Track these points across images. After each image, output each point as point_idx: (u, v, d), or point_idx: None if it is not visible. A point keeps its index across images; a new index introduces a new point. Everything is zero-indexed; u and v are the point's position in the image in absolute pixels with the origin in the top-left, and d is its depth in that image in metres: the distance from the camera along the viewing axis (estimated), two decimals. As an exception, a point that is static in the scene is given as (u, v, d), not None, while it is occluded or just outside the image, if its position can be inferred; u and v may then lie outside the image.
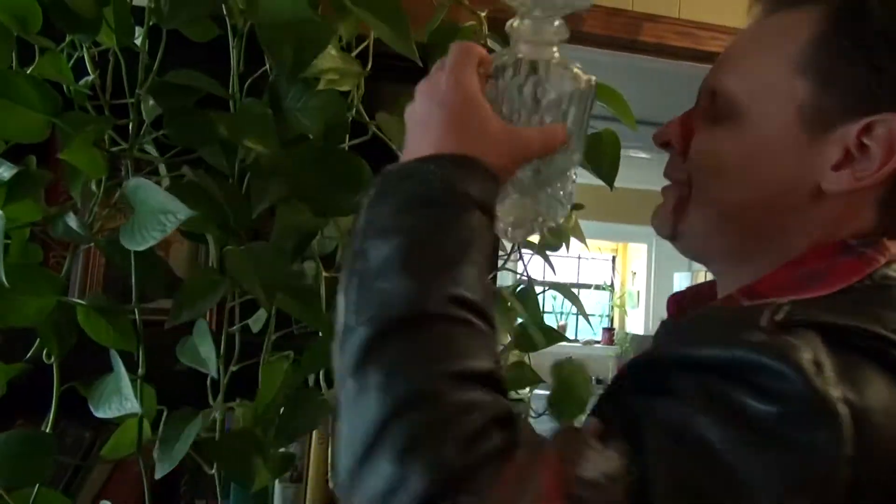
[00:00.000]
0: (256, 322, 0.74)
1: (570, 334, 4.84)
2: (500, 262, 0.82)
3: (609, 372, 5.17)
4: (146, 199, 0.57)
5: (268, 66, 0.70)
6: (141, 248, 0.58)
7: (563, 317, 4.73)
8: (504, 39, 0.87)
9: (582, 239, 0.83)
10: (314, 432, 0.86)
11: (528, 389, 0.86)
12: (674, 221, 0.54)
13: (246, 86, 0.70)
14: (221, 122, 0.63)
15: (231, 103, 0.70)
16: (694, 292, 0.62)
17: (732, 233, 0.52)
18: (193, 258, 0.83)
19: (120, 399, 0.59)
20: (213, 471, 0.69)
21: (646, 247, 5.13)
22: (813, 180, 0.48)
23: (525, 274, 0.85)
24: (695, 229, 0.54)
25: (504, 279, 0.84)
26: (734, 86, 0.50)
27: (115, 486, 0.83)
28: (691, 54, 1.43)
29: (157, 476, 0.63)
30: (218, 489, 0.87)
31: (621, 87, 0.85)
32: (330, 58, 0.61)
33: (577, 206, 0.83)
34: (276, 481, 0.86)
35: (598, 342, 4.86)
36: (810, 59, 0.47)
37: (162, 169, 0.72)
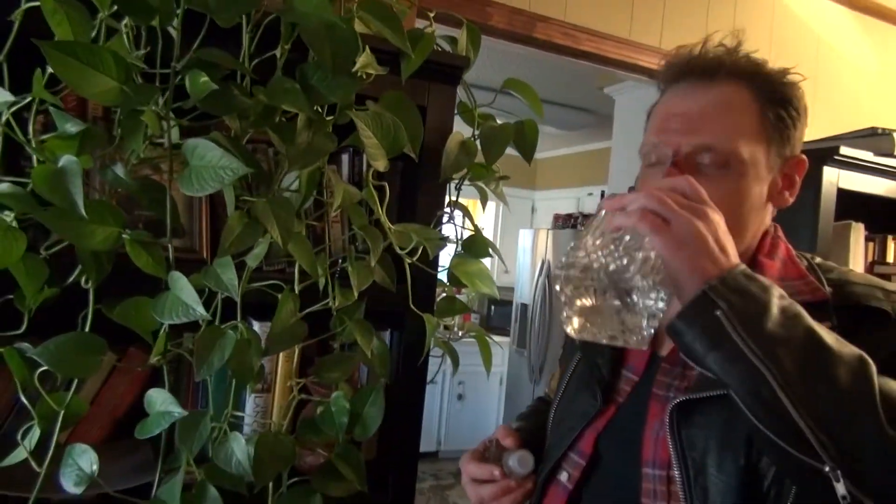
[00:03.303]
0: (254, 258, 0.90)
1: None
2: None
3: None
4: (204, 155, 0.72)
5: (278, 52, 0.85)
6: (199, 195, 0.73)
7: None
8: (452, 40, 1.07)
9: (505, 203, 1.07)
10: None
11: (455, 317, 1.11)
12: None
13: (252, 65, 0.85)
14: (260, 92, 0.78)
15: (238, 77, 0.84)
16: None
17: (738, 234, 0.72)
18: (188, 205, 0.95)
19: (187, 309, 0.75)
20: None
21: (494, 204, 5.57)
22: (766, 197, 0.77)
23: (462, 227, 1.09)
24: None
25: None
26: (727, 145, 0.73)
27: (116, 378, 0.98)
28: (571, 52, 1.71)
29: (198, 379, 0.79)
30: (199, 397, 1.03)
31: (524, 73, 1.09)
32: (366, 55, 0.79)
33: (503, 177, 1.08)
34: (248, 391, 1.03)
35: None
36: (759, 129, 0.74)
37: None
